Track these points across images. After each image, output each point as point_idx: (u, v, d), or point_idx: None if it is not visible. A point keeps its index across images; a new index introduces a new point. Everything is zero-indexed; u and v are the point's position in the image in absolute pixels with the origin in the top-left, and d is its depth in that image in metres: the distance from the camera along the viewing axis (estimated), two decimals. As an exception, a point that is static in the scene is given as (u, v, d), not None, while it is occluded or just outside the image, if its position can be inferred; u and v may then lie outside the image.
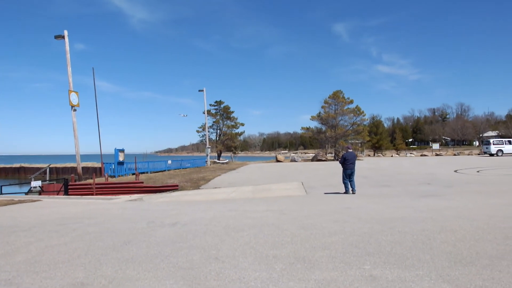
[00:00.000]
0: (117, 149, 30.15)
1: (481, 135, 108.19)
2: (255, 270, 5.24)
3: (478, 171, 24.61)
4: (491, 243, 6.37)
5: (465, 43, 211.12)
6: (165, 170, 35.75)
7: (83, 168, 31.61)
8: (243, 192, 16.61)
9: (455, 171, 25.23)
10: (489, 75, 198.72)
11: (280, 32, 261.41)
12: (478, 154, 63.45)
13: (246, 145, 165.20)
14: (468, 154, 63.68)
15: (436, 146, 79.22)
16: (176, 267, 5.50)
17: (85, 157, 51.72)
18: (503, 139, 56.84)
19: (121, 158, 30.35)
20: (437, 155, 64.64)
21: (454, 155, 63.93)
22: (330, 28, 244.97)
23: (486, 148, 54.22)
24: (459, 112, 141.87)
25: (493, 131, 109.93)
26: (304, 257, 5.81)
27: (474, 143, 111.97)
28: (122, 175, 30.09)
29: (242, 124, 64.25)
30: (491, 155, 51.94)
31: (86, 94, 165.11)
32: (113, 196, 18.14)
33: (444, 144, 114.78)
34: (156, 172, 33.69)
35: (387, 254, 5.86)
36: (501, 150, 52.05)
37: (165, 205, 13.33)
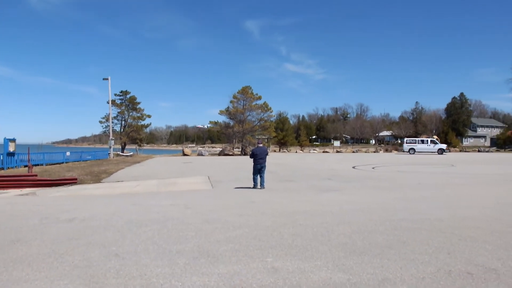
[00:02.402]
0: (7, 139, 27.60)
1: (377, 134, 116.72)
2: (158, 266, 5.11)
3: (373, 168, 26.51)
4: (382, 234, 6.88)
5: (365, 49, 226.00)
6: (63, 163, 33.49)
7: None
8: (148, 186, 16.15)
9: (354, 167, 26.93)
10: (386, 80, 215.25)
11: (192, 24, 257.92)
12: (374, 151, 68.41)
13: (153, 138, 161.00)
14: (366, 152, 68.30)
15: (337, 143, 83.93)
16: (72, 265, 5.16)
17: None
18: (416, 139, 61.58)
19: (11, 149, 27.79)
20: (338, 152, 68.51)
21: (353, 152, 68.21)
22: (242, 24, 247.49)
23: (401, 146, 58.51)
24: (359, 112, 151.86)
25: (388, 131, 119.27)
26: (208, 251, 5.79)
27: (371, 141, 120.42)
28: (12, 167, 27.61)
29: (149, 116, 62.46)
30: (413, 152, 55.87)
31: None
32: (1, 190, 16.57)
33: (345, 142, 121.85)
34: (52, 164, 31.42)
35: (288, 246, 6.06)
36: (413, 149, 55.95)
37: (62, 200, 12.50)
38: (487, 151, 68.61)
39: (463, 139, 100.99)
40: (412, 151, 55.48)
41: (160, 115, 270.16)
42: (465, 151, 69.64)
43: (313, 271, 4.87)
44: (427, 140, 56.56)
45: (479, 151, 70.11)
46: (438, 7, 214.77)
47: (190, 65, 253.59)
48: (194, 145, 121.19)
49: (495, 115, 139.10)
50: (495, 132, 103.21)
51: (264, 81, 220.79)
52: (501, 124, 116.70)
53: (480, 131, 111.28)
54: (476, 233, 6.90)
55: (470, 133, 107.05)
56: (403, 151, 58.08)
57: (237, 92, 54.69)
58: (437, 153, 52.14)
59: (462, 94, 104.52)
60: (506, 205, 10.25)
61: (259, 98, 54.97)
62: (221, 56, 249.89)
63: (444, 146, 55.09)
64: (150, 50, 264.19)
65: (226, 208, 9.89)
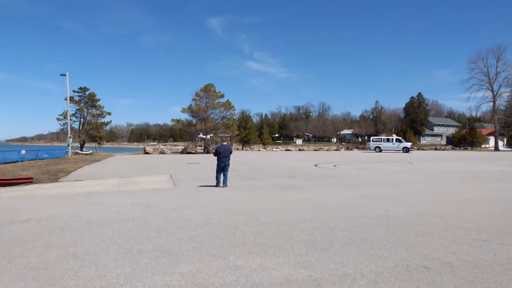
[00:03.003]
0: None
1: (338, 132, 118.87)
2: (118, 266, 5.01)
3: (335, 166, 26.97)
4: (343, 230, 7.02)
5: (327, 48, 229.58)
6: (17, 161, 32.14)
7: None
8: (108, 185, 15.78)
9: (315, 165, 27.30)
10: (348, 79, 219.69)
11: (155, 20, 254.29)
12: (336, 150, 69.60)
13: (113, 136, 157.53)
14: (327, 150, 69.40)
15: (299, 141, 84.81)
16: (27, 268, 4.98)
17: None
18: (382, 137, 62.67)
19: (-38, 147, 26.43)
20: (300, 150, 69.27)
21: (315, 150, 69.17)
22: (205, 21, 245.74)
23: (362, 144, 59.41)
24: (321, 111, 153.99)
25: (349, 130, 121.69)
26: (170, 250, 5.73)
27: (333, 139, 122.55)
28: (-37, 166, 26.30)
29: (109, 113, 60.95)
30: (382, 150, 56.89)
31: None
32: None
33: (307, 140, 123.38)
34: (6, 163, 30.10)
35: (251, 244, 6.08)
36: (379, 147, 57.12)
37: (16, 200, 12.02)
38: (443, 149, 71.19)
39: (421, 137, 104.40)
40: (378, 149, 56.67)
41: (121, 113, 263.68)
42: (423, 149, 71.98)
43: (275, 268, 4.92)
44: (393, 139, 57.76)
45: (435, 149, 72.68)
46: (397, 9, 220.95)
47: (152, 62, 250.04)
48: (156, 143, 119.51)
49: (451, 115, 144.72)
50: (451, 131, 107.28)
51: (227, 79, 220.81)
52: (456, 123, 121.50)
53: (436, 130, 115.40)
54: (432, 229, 7.15)
55: (427, 131, 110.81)
56: (370, 150, 59.35)
57: (200, 90, 54.25)
58: (402, 151, 53.41)
59: (420, 94, 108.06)
60: (460, 202, 10.67)
61: (222, 96, 54.82)
62: (183, 53, 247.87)
63: (409, 144, 56.30)
64: (111, 46, 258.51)
65: (188, 207, 9.81)
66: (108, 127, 71.97)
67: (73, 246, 6.02)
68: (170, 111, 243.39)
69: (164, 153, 52.00)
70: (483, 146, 76.39)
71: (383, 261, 5.25)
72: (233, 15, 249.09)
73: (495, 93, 69.94)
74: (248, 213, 8.88)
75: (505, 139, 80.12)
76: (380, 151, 55.76)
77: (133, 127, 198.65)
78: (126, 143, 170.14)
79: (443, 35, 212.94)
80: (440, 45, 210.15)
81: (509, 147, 72.31)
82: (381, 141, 58.45)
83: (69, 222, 7.99)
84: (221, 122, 55.43)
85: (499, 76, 69.48)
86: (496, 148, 66.95)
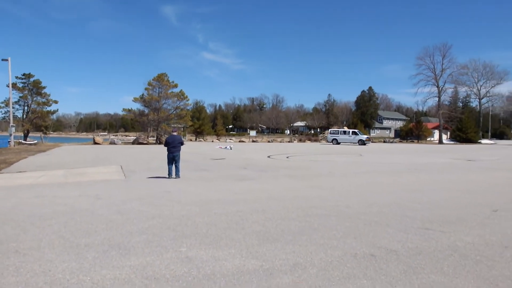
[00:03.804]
0: None
1: (292, 124, 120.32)
2: (64, 261, 4.82)
3: (287, 157, 27.29)
4: (294, 221, 7.12)
5: (282, 40, 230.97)
6: (-45, 151, 30.30)
7: None
8: (54, 177, 15.16)
9: (269, 156, 27.51)
10: (302, 72, 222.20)
11: (105, 5, 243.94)
12: (289, 141, 70.44)
13: (60, 125, 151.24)
14: (281, 142, 70.10)
15: (253, 133, 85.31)
16: (-38, 264, 4.69)
17: None
18: (339, 129, 63.77)
19: None
20: (254, 141, 69.65)
21: (269, 142, 69.74)
22: (159, 9, 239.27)
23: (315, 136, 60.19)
24: (275, 103, 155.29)
25: (302, 122, 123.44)
26: (120, 243, 5.59)
27: (286, 131, 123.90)
28: None
29: (56, 102, 58.23)
30: (338, 142, 57.56)
31: None
32: None
33: (260, 132, 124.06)
34: None
35: (203, 235, 6.04)
36: (336, 139, 57.88)
37: (-47, 192, 11.30)
38: (391, 142, 73.81)
39: (371, 130, 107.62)
40: (335, 141, 57.54)
41: (69, 101, 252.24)
42: (372, 142, 74.29)
43: (227, 259, 4.91)
44: (349, 132, 58.97)
45: (384, 141, 75.21)
46: (350, 4, 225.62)
47: (102, 49, 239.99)
48: (106, 133, 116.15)
49: (399, 109, 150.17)
50: (399, 124, 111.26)
51: (181, 69, 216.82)
52: (404, 117, 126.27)
53: (386, 123, 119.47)
54: (380, 218, 7.40)
55: (377, 124, 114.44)
56: (327, 142, 60.44)
57: (153, 79, 53.06)
58: (358, 144, 54.64)
59: (370, 88, 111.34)
60: (406, 192, 11.12)
61: (176, 86, 53.89)
62: (135, 41, 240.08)
63: (364, 137, 57.48)
64: (58, 31, 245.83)
65: (139, 199, 9.60)
66: (54, 116, 69.19)
67: (15, 241, 5.73)
68: (121, 101, 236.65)
69: (114, 143, 50.65)
70: (428, 139, 79.74)
71: (333, 250, 5.38)
72: (188, 3, 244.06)
73: (440, 88, 73.40)
74: (201, 204, 8.81)
75: (448, 133, 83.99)
76: (338, 143, 56.71)
77: (82, 117, 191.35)
78: (74, 133, 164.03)
79: (394, 30, 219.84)
80: (390, 41, 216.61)
81: (452, 140, 75.85)
82: (338, 134, 59.47)
83: (10, 215, 7.61)
84: (174, 112, 54.54)
85: (444, 72, 72.97)
86: (440, 141, 70.19)
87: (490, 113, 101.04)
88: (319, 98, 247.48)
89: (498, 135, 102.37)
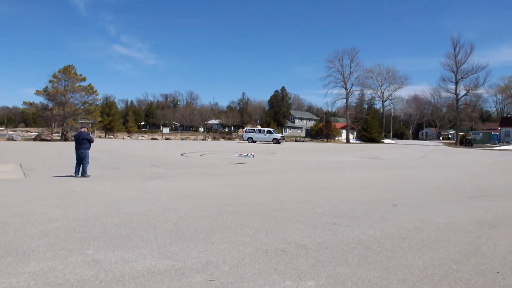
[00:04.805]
0: None
1: (206, 122, 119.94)
2: (-50, 269, 4.34)
3: (201, 155, 27.15)
4: (207, 219, 7.10)
5: (197, 36, 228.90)
6: None
7: None
8: None
9: (182, 154, 27.14)
10: (216, 69, 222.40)
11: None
12: (203, 139, 70.04)
13: None
14: (194, 139, 69.44)
15: (166, 130, 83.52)
16: None
17: None
18: (254, 128, 64.26)
19: None
20: (167, 139, 68.20)
21: (182, 139, 68.72)
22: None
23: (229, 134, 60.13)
24: (189, 100, 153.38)
25: (216, 120, 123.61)
26: (18, 248, 5.17)
27: (200, 129, 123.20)
28: None
29: None
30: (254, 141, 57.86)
31: None
32: None
33: (174, 129, 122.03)
34: None
35: (112, 236, 5.80)
36: (251, 138, 58.51)
37: None
38: (303, 141, 76.59)
39: (283, 129, 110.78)
40: (250, 140, 58.40)
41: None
42: (285, 141, 76.55)
43: (137, 260, 4.76)
44: (264, 130, 60.28)
45: (296, 140, 77.81)
46: (264, 4, 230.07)
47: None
48: (3, 128, 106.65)
49: (310, 109, 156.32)
50: (310, 124, 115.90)
51: (90, 61, 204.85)
52: (314, 117, 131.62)
53: (297, 122, 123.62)
54: (291, 215, 7.64)
55: (289, 124, 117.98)
56: (242, 140, 60.97)
57: (58, 71, 49.67)
58: (272, 142, 55.83)
59: (283, 88, 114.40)
60: (316, 189, 11.61)
61: (84, 79, 51.01)
62: (38, 29, 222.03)
63: (278, 136, 58.96)
64: None
65: (41, 199, 8.95)
66: None
67: None
68: (22, 93, 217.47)
69: (13, 139, 46.71)
70: (337, 138, 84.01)
71: (245, 247, 5.45)
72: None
73: (348, 90, 77.89)
74: (110, 204, 8.45)
75: (355, 133, 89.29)
76: (253, 141, 57.64)
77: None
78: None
79: (307, 32, 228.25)
80: (303, 42, 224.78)
81: (358, 140, 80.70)
82: (254, 132, 60.53)
83: None
84: (82, 107, 51.65)
85: (352, 75, 77.62)
86: (348, 141, 74.32)
87: (392, 114, 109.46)
88: (233, 97, 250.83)
89: (399, 135, 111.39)
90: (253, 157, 19.08)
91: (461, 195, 10.97)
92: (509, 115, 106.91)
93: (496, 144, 65.77)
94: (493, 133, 76.63)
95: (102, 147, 32.32)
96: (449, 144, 67.43)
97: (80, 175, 13.31)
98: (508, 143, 65.03)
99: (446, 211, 8.43)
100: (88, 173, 13.48)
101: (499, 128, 78.97)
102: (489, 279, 4.46)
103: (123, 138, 64.48)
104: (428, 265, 4.86)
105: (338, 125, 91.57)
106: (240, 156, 18.64)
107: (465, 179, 15.23)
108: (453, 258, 5.18)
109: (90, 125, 60.70)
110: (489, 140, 70.65)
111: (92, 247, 5.25)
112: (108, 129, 70.02)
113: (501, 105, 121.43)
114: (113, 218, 7.00)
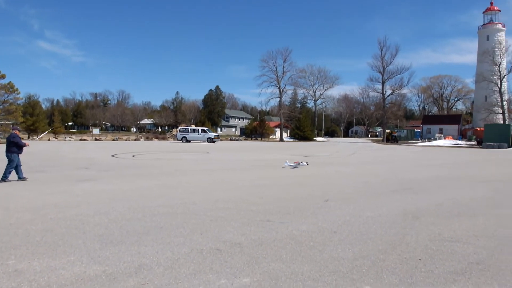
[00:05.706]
0: None
1: (138, 122, 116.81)
2: None
3: (133, 156, 26.38)
4: (140, 221, 6.92)
5: (128, 33, 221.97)
6: None
7: None
8: None
9: (113, 155, 26.21)
10: (149, 68, 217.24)
11: None
12: (135, 139, 68.10)
13: None
14: (127, 140, 67.34)
15: (96, 130, 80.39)
16: None
17: None
18: (189, 127, 63.13)
19: None
20: (97, 139, 65.56)
21: (114, 140, 66.38)
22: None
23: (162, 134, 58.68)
24: (120, 99, 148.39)
25: (149, 119, 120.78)
26: None
27: (132, 129, 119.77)
28: None
29: None
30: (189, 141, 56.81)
31: None
32: None
33: (105, 129, 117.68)
34: None
35: (36, 244, 5.48)
36: (186, 137, 57.60)
37: None
38: (237, 140, 76.96)
39: (218, 128, 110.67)
40: (184, 139, 57.68)
41: None
42: (220, 140, 76.46)
43: (65, 268, 4.54)
44: (199, 130, 59.75)
45: (231, 139, 78.01)
46: (198, 3, 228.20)
47: None
48: None
49: (244, 108, 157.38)
50: (244, 122, 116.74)
51: (10, 58, 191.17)
52: (249, 116, 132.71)
53: (232, 121, 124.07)
54: (225, 213, 7.65)
55: (224, 123, 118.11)
56: (177, 140, 60.00)
57: (-27, 69, 46.17)
58: (207, 141, 55.45)
59: (218, 87, 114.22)
60: (250, 187, 11.71)
61: (3, 76, 47.66)
62: None
63: (213, 135, 58.69)
64: None
65: (-45, 207, 8.26)
66: None
67: None
68: None
69: None
70: (271, 137, 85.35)
71: (179, 247, 5.38)
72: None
73: (281, 90, 79.28)
74: (34, 209, 7.96)
75: (288, 131, 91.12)
76: (187, 141, 57.03)
77: None
78: None
79: (240, 32, 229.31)
80: (236, 42, 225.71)
81: (292, 138, 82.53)
82: (188, 132, 59.92)
83: None
84: (1, 107, 48.28)
85: (285, 75, 79.11)
86: (281, 139, 75.80)
87: (324, 113, 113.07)
88: (167, 96, 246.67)
89: (330, 133, 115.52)
90: (307, 164, 18.44)
91: (387, 189, 11.57)
92: (430, 114, 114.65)
93: (419, 140, 70.24)
94: (416, 130, 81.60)
95: (25, 149, 30.37)
96: (377, 141, 71.19)
97: (7, 179, 12.48)
98: (429, 139, 69.57)
99: (374, 204, 8.86)
100: (9, 178, 12.66)
101: (421, 125, 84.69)
102: (412, 266, 4.75)
103: (49, 140, 61.09)
104: (357, 256, 5.08)
105: (272, 124, 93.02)
106: (290, 165, 17.78)
107: (390, 174, 16.08)
108: (380, 248, 5.46)
109: (11, 126, 56.77)
110: (412, 137, 75.15)
111: (14, 257, 4.93)
112: (32, 130, 66.02)
113: (423, 104, 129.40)
114: (37, 225, 6.61)
